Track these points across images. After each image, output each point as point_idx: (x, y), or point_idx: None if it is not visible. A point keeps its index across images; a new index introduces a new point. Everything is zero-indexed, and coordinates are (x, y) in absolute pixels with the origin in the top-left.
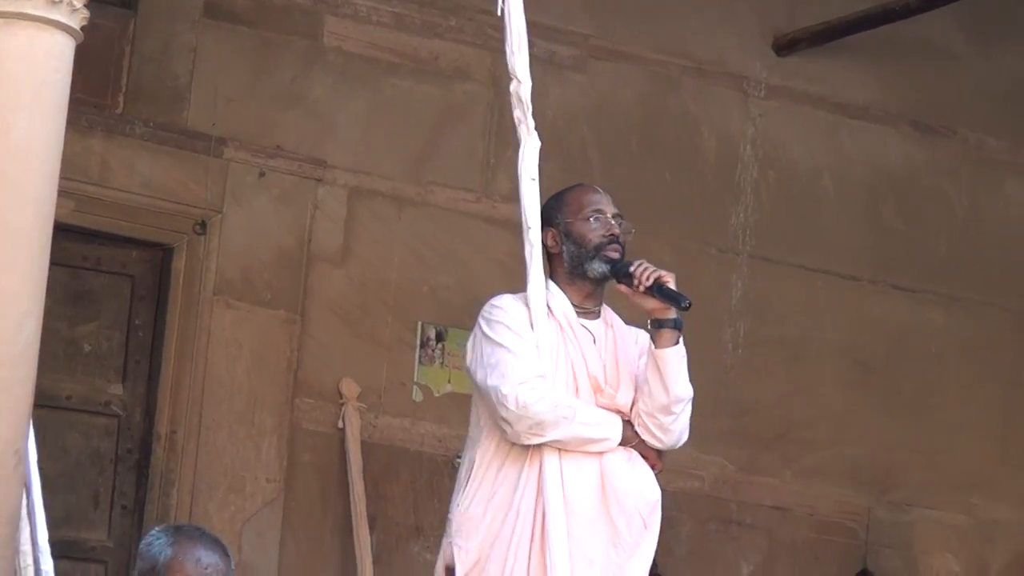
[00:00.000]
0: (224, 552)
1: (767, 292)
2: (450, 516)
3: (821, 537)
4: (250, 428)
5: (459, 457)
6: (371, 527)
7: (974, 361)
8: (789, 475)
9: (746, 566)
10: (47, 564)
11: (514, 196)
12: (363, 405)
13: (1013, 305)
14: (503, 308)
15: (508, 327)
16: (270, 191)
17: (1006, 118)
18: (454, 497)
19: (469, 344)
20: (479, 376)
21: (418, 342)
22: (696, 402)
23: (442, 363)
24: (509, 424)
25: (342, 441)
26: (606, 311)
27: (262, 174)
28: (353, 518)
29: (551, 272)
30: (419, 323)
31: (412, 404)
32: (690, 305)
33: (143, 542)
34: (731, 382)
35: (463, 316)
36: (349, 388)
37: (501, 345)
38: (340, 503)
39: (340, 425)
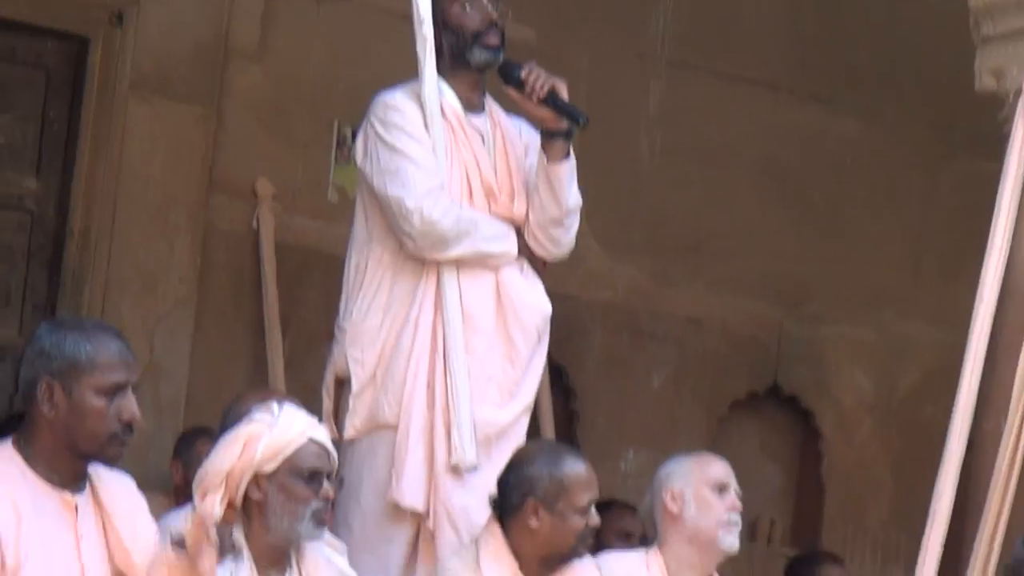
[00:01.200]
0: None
1: (684, 99)
2: (340, 324)
3: (732, 350)
4: (164, 226)
5: None
6: (284, 329)
7: (888, 173)
8: (701, 286)
9: (656, 378)
10: None
11: None
12: (278, 205)
13: (930, 118)
14: (398, 108)
15: (405, 131)
16: None
17: None
18: (344, 305)
19: (359, 143)
20: (376, 182)
21: (335, 141)
22: (610, 210)
23: None
24: (412, 239)
25: (256, 242)
26: (490, 103)
27: None
28: (265, 320)
29: (436, 66)
30: (336, 121)
31: (327, 204)
32: (587, 122)
33: (45, 341)
34: (646, 190)
35: None
36: (264, 187)
37: (399, 151)
38: (253, 305)
39: (254, 225)
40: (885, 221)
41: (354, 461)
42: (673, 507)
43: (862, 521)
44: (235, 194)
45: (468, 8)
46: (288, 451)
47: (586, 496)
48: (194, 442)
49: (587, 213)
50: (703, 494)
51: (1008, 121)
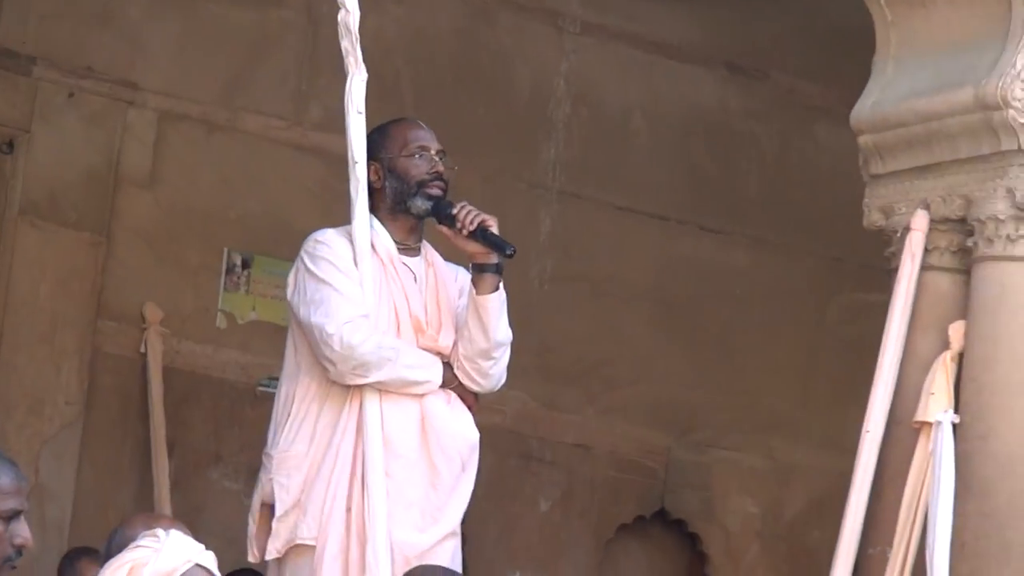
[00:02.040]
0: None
1: (575, 229)
2: (269, 452)
3: (621, 475)
4: (51, 350)
5: (262, 385)
6: (170, 453)
7: (778, 304)
8: (591, 412)
9: (544, 502)
10: None
11: (325, 125)
12: (166, 330)
13: (819, 249)
14: (327, 244)
15: (332, 264)
16: (79, 111)
17: (820, 62)
18: (272, 434)
19: (291, 278)
20: (302, 312)
21: (224, 268)
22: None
23: (247, 290)
24: (333, 364)
25: (144, 366)
26: (426, 248)
27: (71, 94)
28: (152, 443)
29: (372, 207)
30: (225, 249)
31: (216, 330)
32: (514, 252)
33: None
34: (536, 318)
35: (270, 244)
36: (152, 313)
37: (325, 282)
38: (140, 428)
39: (142, 350)
40: (775, 349)
41: None
42: None
43: None
44: (123, 319)
45: (417, 158)
46: None
47: None
48: (77, 562)
49: None
50: None
51: (896, 256)
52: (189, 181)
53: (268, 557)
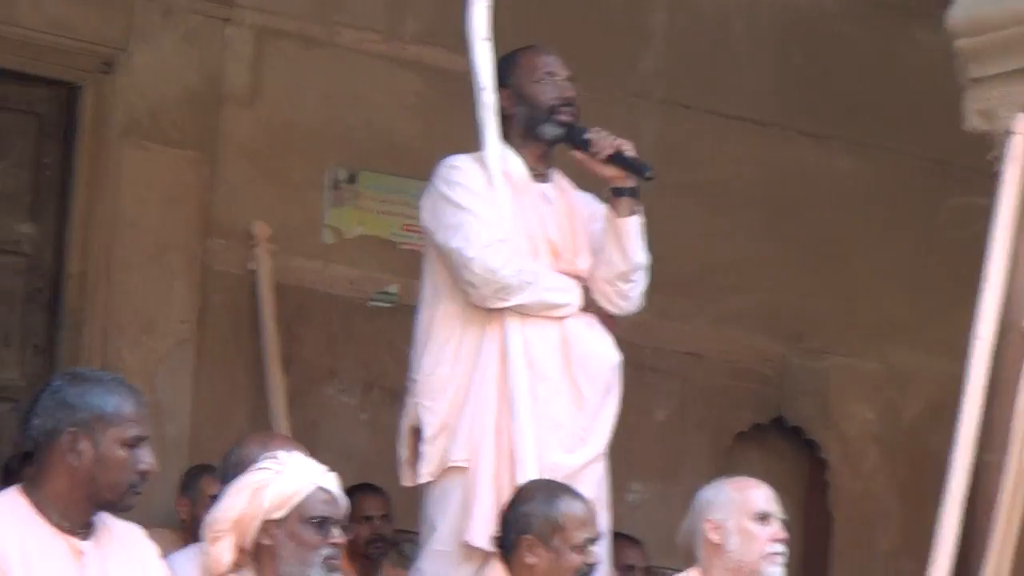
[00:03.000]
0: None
1: (678, 137)
2: (414, 376)
3: (736, 384)
4: (161, 269)
5: (373, 300)
6: (284, 369)
7: (885, 208)
8: (703, 321)
9: (660, 412)
10: None
11: (422, 38)
12: (274, 247)
13: (922, 151)
14: (462, 168)
15: (468, 188)
16: (176, 29)
17: None
18: (415, 359)
19: (425, 202)
20: (440, 237)
21: (329, 184)
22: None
23: (354, 205)
24: (474, 287)
25: (254, 283)
26: (557, 175)
27: (167, 12)
28: (266, 360)
29: (504, 134)
30: (330, 165)
31: (323, 246)
32: (653, 175)
33: (66, 393)
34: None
35: (373, 159)
36: (260, 229)
37: (462, 207)
38: (253, 345)
39: (252, 266)
40: (884, 254)
41: (428, 506)
42: (715, 537)
43: (872, 549)
44: (231, 236)
45: (546, 84)
46: (296, 499)
47: (581, 534)
48: (199, 479)
49: None
50: (745, 525)
51: (998, 161)
52: (289, 98)
53: (420, 480)
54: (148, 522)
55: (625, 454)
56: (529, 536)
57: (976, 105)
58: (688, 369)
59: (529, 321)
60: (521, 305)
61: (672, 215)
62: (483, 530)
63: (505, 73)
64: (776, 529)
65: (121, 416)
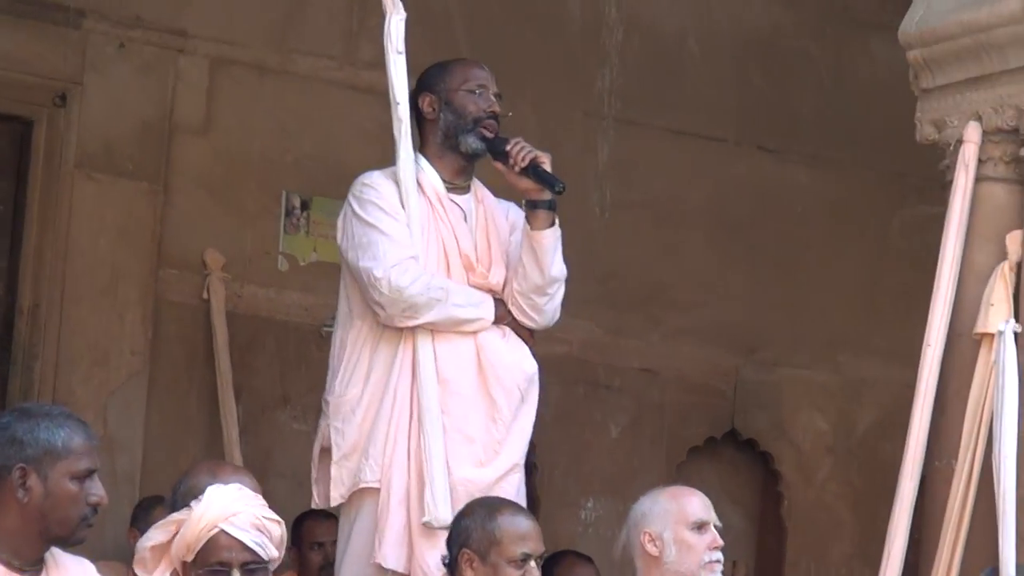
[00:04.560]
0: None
1: (633, 155)
2: (326, 398)
3: (690, 398)
4: (114, 300)
5: (327, 326)
6: (237, 398)
7: (839, 220)
8: (657, 337)
9: (615, 428)
10: None
11: (378, 63)
12: (228, 275)
13: (878, 164)
14: (373, 187)
15: (379, 207)
16: (130, 62)
17: None
18: (329, 380)
19: (340, 222)
20: (351, 257)
21: (283, 211)
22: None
23: (307, 232)
24: (382, 307)
25: (207, 312)
26: (476, 185)
27: (122, 45)
28: (219, 389)
29: (421, 144)
30: (283, 192)
31: (278, 273)
32: (564, 189)
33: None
34: (598, 246)
35: (328, 185)
36: (213, 259)
37: (373, 226)
38: (206, 374)
39: (205, 296)
40: (838, 265)
41: (343, 527)
42: (652, 549)
43: (825, 558)
44: (184, 266)
45: (476, 94)
46: (198, 545)
47: (519, 548)
48: (151, 511)
49: None
50: (682, 535)
51: (950, 170)
52: (243, 126)
53: (332, 503)
54: (100, 555)
55: (578, 471)
56: (467, 551)
57: (928, 115)
58: (641, 385)
59: (441, 337)
60: (431, 323)
61: (626, 232)
62: (394, 552)
63: (434, 79)
64: (713, 537)
65: (70, 449)
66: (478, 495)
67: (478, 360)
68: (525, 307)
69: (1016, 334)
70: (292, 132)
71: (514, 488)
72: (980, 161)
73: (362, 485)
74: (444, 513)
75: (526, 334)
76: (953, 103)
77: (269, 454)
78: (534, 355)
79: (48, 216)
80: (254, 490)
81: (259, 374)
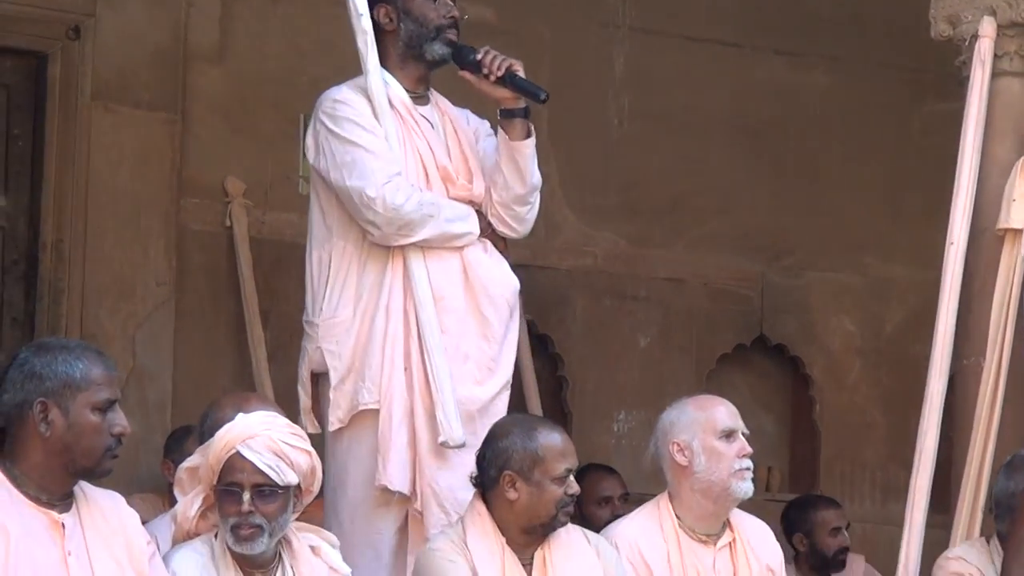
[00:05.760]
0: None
1: (649, 64)
2: (312, 320)
3: (716, 306)
4: (137, 232)
5: None
6: (265, 324)
7: (860, 121)
8: (681, 246)
9: (643, 339)
10: None
11: None
12: (249, 202)
13: (896, 63)
14: (346, 102)
15: (356, 123)
16: None
17: None
18: (310, 301)
19: (309, 141)
20: (334, 176)
21: (301, 135)
22: (583, 178)
23: None
24: (377, 227)
25: (231, 239)
26: (434, 95)
27: None
28: (246, 315)
29: (381, 56)
30: (301, 115)
31: (299, 197)
32: (548, 97)
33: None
34: (618, 156)
35: None
36: (234, 185)
37: (354, 143)
38: (232, 302)
39: (228, 223)
40: (860, 167)
41: (338, 453)
42: (681, 459)
43: (859, 461)
44: (206, 194)
45: (435, 1)
46: (219, 467)
47: (562, 465)
48: (183, 441)
49: (560, 183)
50: (711, 444)
51: (966, 65)
52: (258, 51)
53: (331, 428)
54: (135, 486)
55: (610, 384)
56: (509, 472)
57: (942, 11)
58: (668, 295)
59: (431, 253)
60: (424, 240)
61: (646, 142)
62: (398, 473)
63: None
64: (742, 444)
65: (89, 381)
66: (476, 414)
67: (465, 276)
68: (507, 217)
69: None
70: (307, 54)
71: (504, 406)
72: (996, 56)
73: (361, 407)
74: (459, 432)
75: (502, 245)
76: None
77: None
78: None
79: (67, 150)
80: None
81: (286, 299)
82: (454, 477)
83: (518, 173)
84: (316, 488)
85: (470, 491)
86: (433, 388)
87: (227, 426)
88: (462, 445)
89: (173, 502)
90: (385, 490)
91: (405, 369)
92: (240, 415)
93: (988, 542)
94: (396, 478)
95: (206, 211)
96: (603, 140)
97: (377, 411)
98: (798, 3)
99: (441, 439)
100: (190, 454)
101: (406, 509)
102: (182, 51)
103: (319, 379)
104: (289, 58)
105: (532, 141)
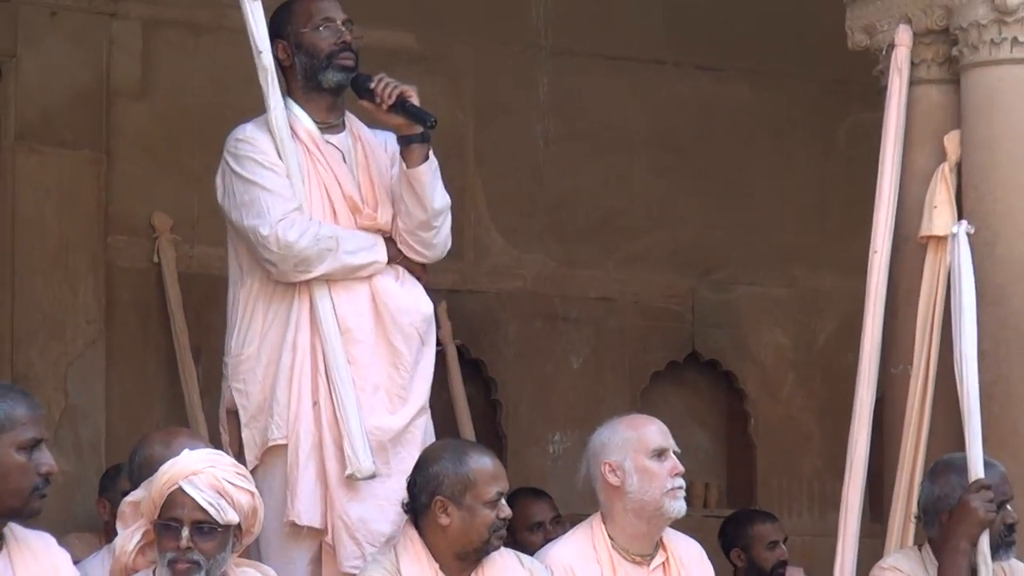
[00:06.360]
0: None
1: (573, 84)
2: (225, 359)
3: (648, 323)
4: (65, 271)
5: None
6: (196, 359)
7: (784, 134)
8: (611, 265)
9: (575, 359)
10: None
11: None
12: (177, 237)
13: (818, 74)
14: (248, 141)
15: (256, 161)
16: (63, 30)
17: None
18: (226, 341)
19: (218, 180)
20: (235, 217)
21: None
22: (512, 201)
23: None
24: (273, 264)
25: (159, 275)
26: (351, 121)
27: (54, 14)
28: (177, 351)
29: (287, 89)
30: None
31: (227, 231)
32: (435, 123)
33: None
34: (544, 178)
35: None
36: (161, 221)
37: (252, 182)
38: (163, 338)
39: (155, 259)
40: (786, 179)
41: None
42: (614, 479)
43: (796, 473)
44: (133, 231)
45: (324, 31)
46: (161, 501)
47: (493, 488)
48: (117, 479)
49: (488, 206)
50: (643, 463)
51: (884, 74)
52: (181, 86)
53: (249, 467)
54: (72, 526)
55: (544, 406)
56: (441, 497)
57: (858, 21)
58: (599, 314)
59: (337, 285)
60: (325, 274)
61: (572, 162)
62: (308, 507)
63: (281, 24)
64: (674, 463)
65: (14, 420)
66: (388, 443)
67: (374, 306)
68: (414, 244)
69: (969, 235)
70: (230, 88)
71: (421, 431)
72: (913, 64)
73: (271, 443)
74: (367, 464)
75: (418, 269)
76: (882, 7)
77: None
78: (428, 292)
79: None
80: None
81: (217, 334)
82: (365, 509)
83: (417, 199)
84: (257, 529)
85: (384, 522)
86: (340, 420)
87: (171, 461)
88: (372, 476)
89: (110, 540)
90: (295, 525)
91: (314, 403)
92: (186, 451)
93: (920, 550)
94: (305, 513)
95: (134, 248)
96: (529, 162)
97: (285, 446)
98: (719, 18)
99: (348, 472)
100: (124, 492)
101: (319, 543)
102: (105, 89)
103: (235, 418)
104: (212, 92)
105: (430, 167)
